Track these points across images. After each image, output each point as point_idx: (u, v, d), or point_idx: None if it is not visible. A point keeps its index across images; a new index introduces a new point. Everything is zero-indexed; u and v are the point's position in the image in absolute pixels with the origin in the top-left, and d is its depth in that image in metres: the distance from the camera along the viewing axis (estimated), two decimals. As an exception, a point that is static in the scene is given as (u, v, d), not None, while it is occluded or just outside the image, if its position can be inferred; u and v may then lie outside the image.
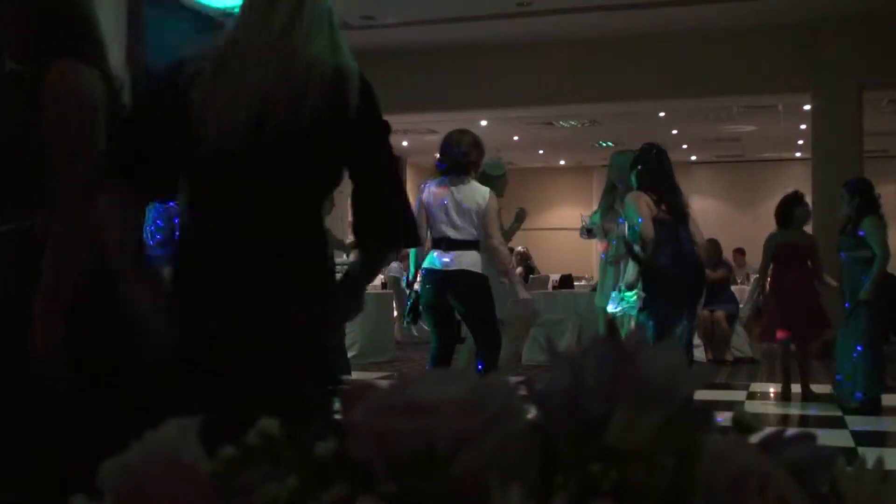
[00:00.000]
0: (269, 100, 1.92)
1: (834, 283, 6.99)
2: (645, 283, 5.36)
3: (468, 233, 5.13)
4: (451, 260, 5.12)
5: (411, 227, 2.14)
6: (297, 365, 2.00)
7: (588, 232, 7.15)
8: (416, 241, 2.28)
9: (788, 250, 7.04)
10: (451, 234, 5.12)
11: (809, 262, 7.09)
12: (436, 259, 5.16)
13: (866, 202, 6.59)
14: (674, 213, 5.27)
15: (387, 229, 2.11)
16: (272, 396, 1.78)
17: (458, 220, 5.11)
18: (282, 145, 1.94)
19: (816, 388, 7.30)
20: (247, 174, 1.95)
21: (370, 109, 2.02)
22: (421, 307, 5.33)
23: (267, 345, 1.96)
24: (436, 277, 5.14)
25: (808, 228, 7.61)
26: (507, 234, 6.73)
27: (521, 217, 6.58)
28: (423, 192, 5.28)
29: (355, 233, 2.13)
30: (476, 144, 5.26)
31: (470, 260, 5.13)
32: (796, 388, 7.10)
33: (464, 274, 5.11)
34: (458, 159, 5.18)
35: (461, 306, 5.23)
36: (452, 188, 5.15)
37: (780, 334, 7.13)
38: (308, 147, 1.96)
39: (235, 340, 1.96)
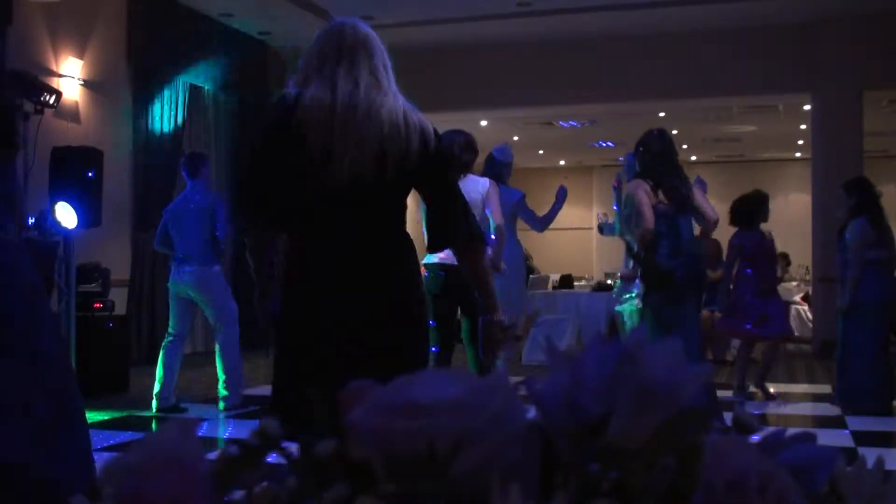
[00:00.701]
0: (386, 145, 2.43)
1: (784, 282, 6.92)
2: (643, 279, 5.33)
3: None
4: None
5: (479, 228, 2.64)
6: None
7: (602, 229, 7.21)
8: (484, 239, 2.69)
9: (753, 251, 6.92)
10: None
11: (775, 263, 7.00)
12: (448, 258, 5.10)
13: (861, 203, 6.33)
14: (674, 200, 5.22)
15: (463, 232, 2.57)
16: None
17: None
18: (395, 182, 2.45)
19: (817, 388, 7.28)
20: (370, 205, 2.43)
21: (440, 148, 2.56)
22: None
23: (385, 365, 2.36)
24: (450, 276, 5.08)
25: (805, 227, 7.58)
26: (548, 219, 6.65)
27: (561, 196, 6.54)
28: None
29: (437, 241, 2.61)
30: (469, 146, 5.25)
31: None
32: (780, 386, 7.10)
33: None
34: (452, 161, 5.16)
35: (475, 303, 5.16)
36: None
37: (739, 333, 7.17)
38: (411, 182, 2.51)
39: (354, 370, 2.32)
